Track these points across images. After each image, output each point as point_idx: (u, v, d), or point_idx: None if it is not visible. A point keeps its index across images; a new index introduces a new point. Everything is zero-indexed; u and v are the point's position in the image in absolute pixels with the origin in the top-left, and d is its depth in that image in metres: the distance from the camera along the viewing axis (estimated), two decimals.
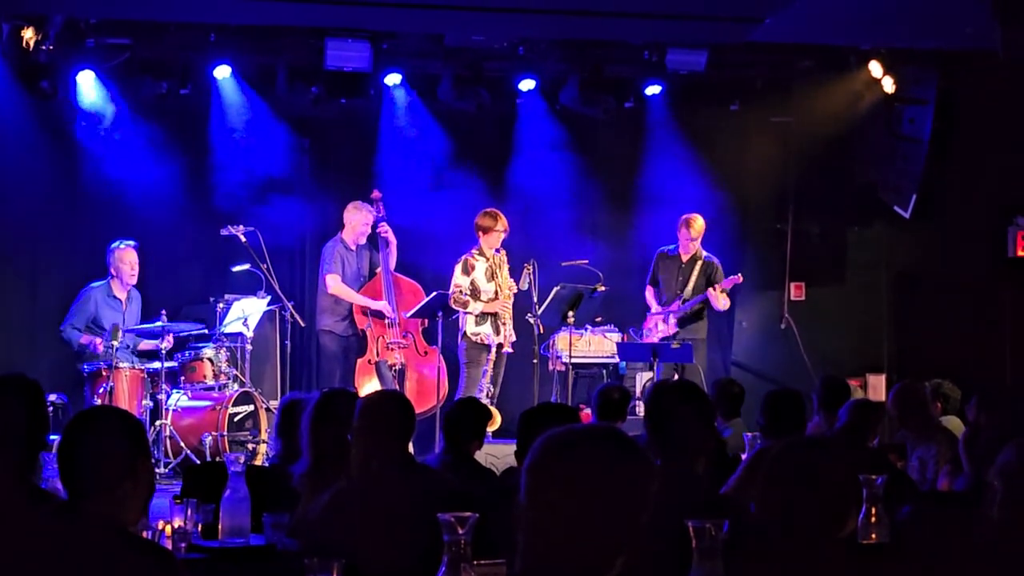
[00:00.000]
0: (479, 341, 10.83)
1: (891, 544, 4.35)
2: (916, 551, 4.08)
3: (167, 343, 10.30)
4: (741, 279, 11.44)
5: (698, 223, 11.42)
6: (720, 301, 11.33)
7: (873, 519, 4.42)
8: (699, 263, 11.48)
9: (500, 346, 10.84)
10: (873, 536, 4.41)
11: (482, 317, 10.86)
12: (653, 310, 11.62)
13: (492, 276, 10.91)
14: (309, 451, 5.00)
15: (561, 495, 2.54)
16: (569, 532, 2.54)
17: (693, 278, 11.45)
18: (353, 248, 11.18)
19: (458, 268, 10.92)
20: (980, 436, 6.05)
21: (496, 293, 10.89)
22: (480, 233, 10.95)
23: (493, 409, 10.30)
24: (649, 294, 11.71)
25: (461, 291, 10.79)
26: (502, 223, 10.93)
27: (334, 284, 11.03)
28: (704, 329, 11.58)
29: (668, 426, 4.47)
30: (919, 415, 7.63)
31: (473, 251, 10.98)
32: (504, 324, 10.88)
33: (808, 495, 3.30)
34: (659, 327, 11.48)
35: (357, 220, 11.15)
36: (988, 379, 9.92)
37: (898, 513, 4.51)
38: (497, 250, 10.99)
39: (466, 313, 10.81)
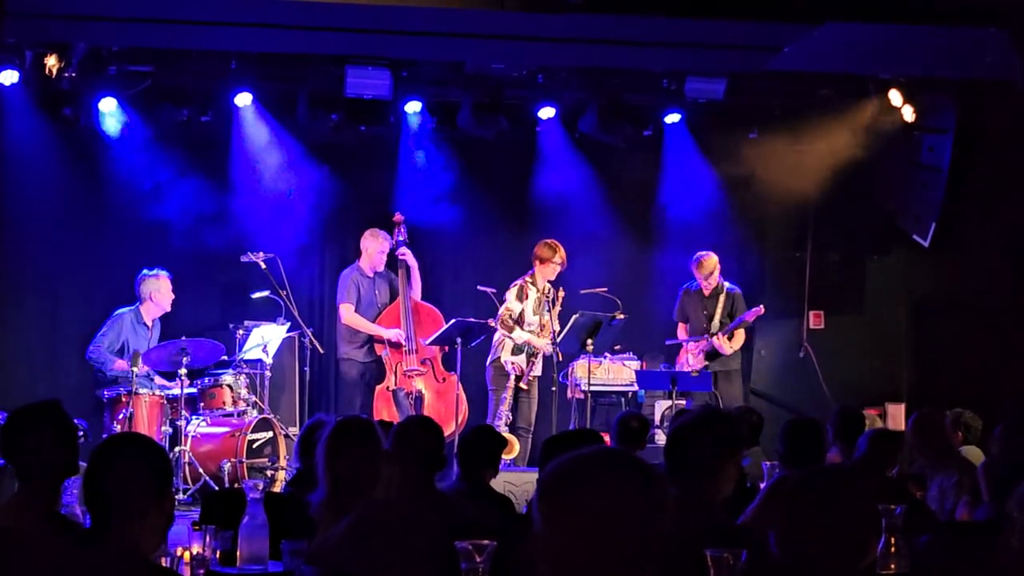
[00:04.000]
0: (509, 368, 10.82)
1: (910, 575, 4.34)
2: None
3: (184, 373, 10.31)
4: (763, 310, 11.47)
5: (707, 264, 11.43)
6: (726, 347, 11.38)
7: (892, 549, 4.41)
8: (722, 296, 11.52)
9: (520, 378, 10.83)
10: (892, 566, 4.40)
11: (518, 347, 10.84)
12: (684, 346, 11.63)
13: (539, 309, 10.88)
14: (325, 480, 5.00)
15: (576, 521, 2.55)
16: (588, 557, 2.55)
17: (718, 312, 11.49)
18: (370, 275, 11.21)
19: (513, 292, 10.88)
20: (998, 466, 6.04)
21: (541, 327, 10.87)
22: (537, 263, 10.90)
23: (510, 437, 10.31)
24: (680, 331, 11.73)
25: (511, 315, 10.78)
26: (560, 255, 10.85)
27: (347, 314, 11.07)
28: (738, 359, 11.59)
29: (684, 454, 4.46)
30: (937, 443, 7.61)
31: (527, 278, 10.95)
32: (535, 359, 10.87)
33: (829, 525, 3.29)
34: (690, 361, 11.49)
35: (373, 247, 11.18)
36: (1010, 408, 9.88)
37: (917, 543, 4.49)
38: (554, 283, 10.95)
39: (509, 337, 10.78)
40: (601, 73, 11.58)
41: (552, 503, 2.59)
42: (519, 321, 10.82)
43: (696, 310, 11.63)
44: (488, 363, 10.93)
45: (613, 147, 12.09)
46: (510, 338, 10.78)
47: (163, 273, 10.77)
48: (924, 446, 7.62)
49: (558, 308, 10.91)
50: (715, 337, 11.39)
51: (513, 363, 10.83)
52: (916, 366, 12.66)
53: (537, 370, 10.93)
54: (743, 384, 12.01)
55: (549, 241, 10.99)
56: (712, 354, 11.49)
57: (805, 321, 12.76)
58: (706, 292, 11.55)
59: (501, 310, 10.80)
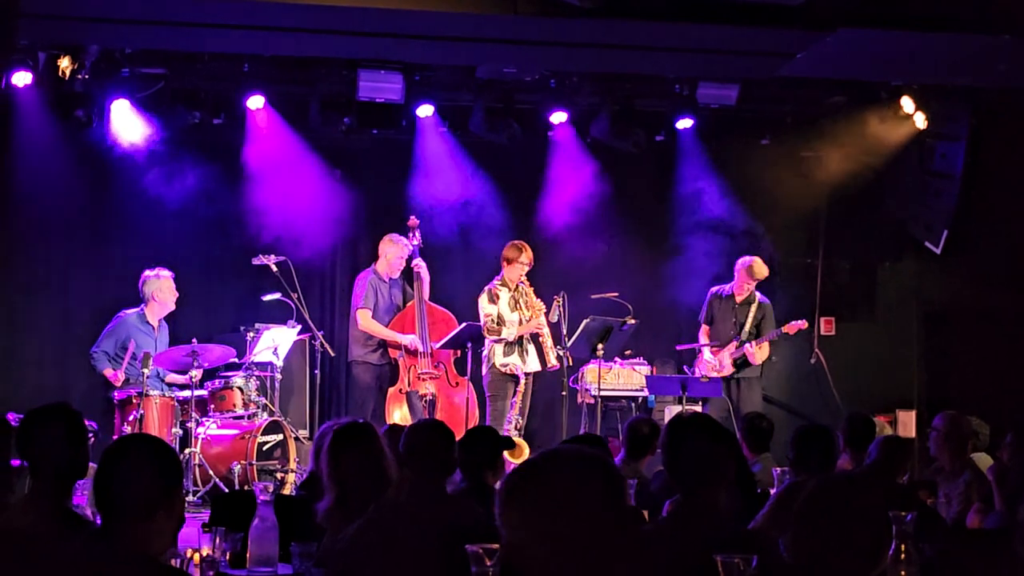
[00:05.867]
0: (508, 372, 10.83)
1: None
2: None
3: (197, 371, 10.32)
4: (806, 325, 11.46)
5: (761, 269, 11.42)
6: (757, 356, 11.38)
7: (903, 556, 4.39)
8: (754, 305, 11.50)
9: (528, 375, 10.85)
10: (903, 574, 4.38)
11: (509, 347, 10.86)
12: (707, 351, 11.59)
13: (515, 306, 10.92)
14: (330, 485, 4.99)
15: (537, 518, 2.59)
16: (554, 553, 2.58)
17: (749, 321, 11.48)
18: (387, 280, 11.20)
19: (484, 298, 10.93)
20: (1009, 475, 6.02)
21: (520, 322, 10.90)
22: (504, 263, 10.99)
23: (519, 440, 10.30)
24: (703, 334, 11.71)
25: (492, 320, 10.81)
26: (526, 255, 10.94)
27: (364, 320, 11.05)
28: (759, 367, 11.57)
29: (683, 459, 4.45)
30: (961, 448, 7.60)
31: (496, 281, 11.00)
32: (544, 344, 10.90)
33: (840, 532, 3.29)
34: (717, 367, 11.45)
35: (393, 253, 11.17)
36: (1020, 417, 9.86)
37: (927, 551, 4.48)
38: (520, 282, 11.00)
39: (498, 341, 10.81)
40: (613, 78, 11.58)
41: (512, 506, 2.64)
42: (500, 322, 10.86)
43: (725, 316, 11.60)
44: (486, 371, 10.92)
45: (625, 152, 12.07)
46: (501, 340, 10.81)
47: (165, 272, 10.77)
48: (948, 448, 7.58)
49: (532, 294, 10.97)
50: (748, 344, 11.38)
51: (507, 365, 10.84)
52: (927, 373, 12.65)
53: (535, 365, 10.92)
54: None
55: (516, 242, 11.07)
56: (742, 363, 11.47)
57: (816, 328, 12.73)
58: (739, 298, 11.53)
59: (483, 319, 10.84)
